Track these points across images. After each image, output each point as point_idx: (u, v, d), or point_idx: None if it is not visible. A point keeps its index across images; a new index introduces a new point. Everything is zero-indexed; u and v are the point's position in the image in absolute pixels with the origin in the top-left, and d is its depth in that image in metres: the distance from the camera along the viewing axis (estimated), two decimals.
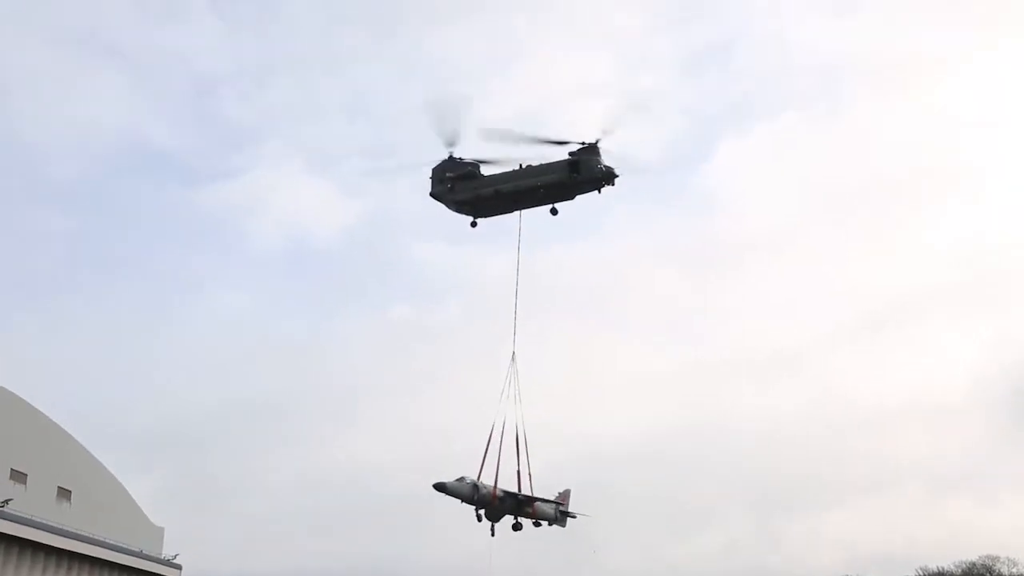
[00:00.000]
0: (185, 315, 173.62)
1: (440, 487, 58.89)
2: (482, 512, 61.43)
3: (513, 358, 62.13)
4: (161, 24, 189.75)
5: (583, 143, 61.96)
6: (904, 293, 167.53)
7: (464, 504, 60.37)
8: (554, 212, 63.82)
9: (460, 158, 63.73)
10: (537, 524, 64.62)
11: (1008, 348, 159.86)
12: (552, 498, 65.65)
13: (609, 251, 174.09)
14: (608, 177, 62.14)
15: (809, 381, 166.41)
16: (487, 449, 59.86)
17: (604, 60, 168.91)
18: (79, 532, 66.18)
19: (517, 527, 63.30)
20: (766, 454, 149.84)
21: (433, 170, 64.51)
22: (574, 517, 67.11)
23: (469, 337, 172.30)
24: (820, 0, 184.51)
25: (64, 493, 75.11)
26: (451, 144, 63.08)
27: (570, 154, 62.15)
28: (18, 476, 70.31)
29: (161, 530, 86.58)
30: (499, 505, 61.39)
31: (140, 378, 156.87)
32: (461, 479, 60.44)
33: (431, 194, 64.79)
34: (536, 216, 63.79)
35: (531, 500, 62.78)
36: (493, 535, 61.38)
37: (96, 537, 67.81)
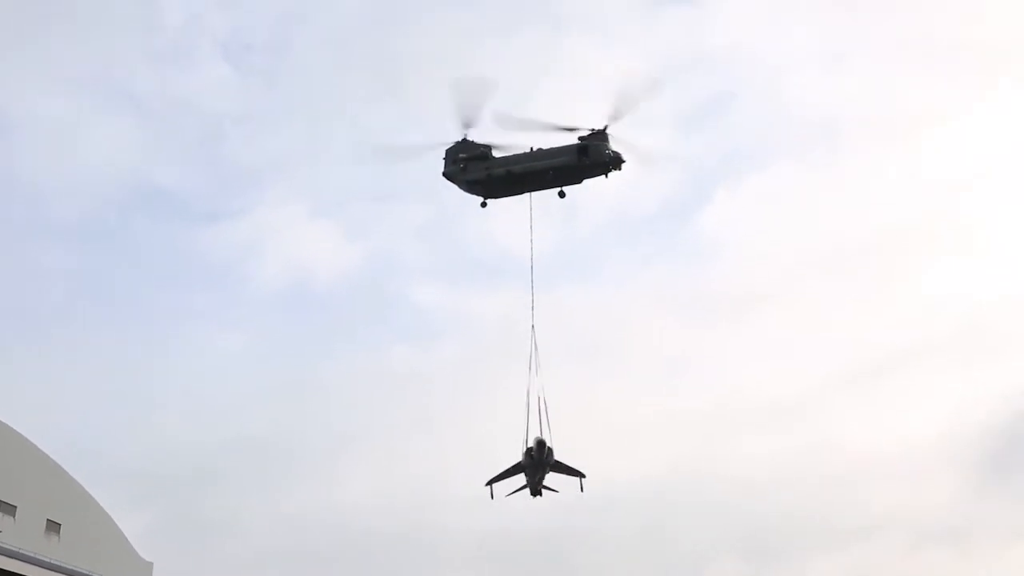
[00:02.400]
0: (184, 353, 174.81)
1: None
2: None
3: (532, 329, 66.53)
4: (170, 67, 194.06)
5: (592, 129, 64.41)
6: (899, 344, 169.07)
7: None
8: (562, 195, 66.13)
9: (473, 141, 66.15)
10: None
11: (999, 400, 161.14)
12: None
13: (606, 296, 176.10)
14: (615, 162, 64.55)
15: (804, 430, 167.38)
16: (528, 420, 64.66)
17: (602, 110, 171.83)
18: (66, 566, 65.89)
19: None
20: (759, 502, 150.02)
21: (447, 151, 66.80)
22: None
23: (467, 378, 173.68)
24: (815, 55, 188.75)
25: (53, 526, 74.66)
26: (467, 126, 65.46)
27: (580, 139, 64.58)
28: (6, 508, 70.55)
29: (150, 565, 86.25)
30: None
31: (137, 414, 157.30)
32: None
33: (444, 174, 67.12)
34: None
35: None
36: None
37: (83, 571, 67.48)
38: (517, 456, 66.16)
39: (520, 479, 66.96)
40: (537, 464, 64.91)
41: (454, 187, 67.14)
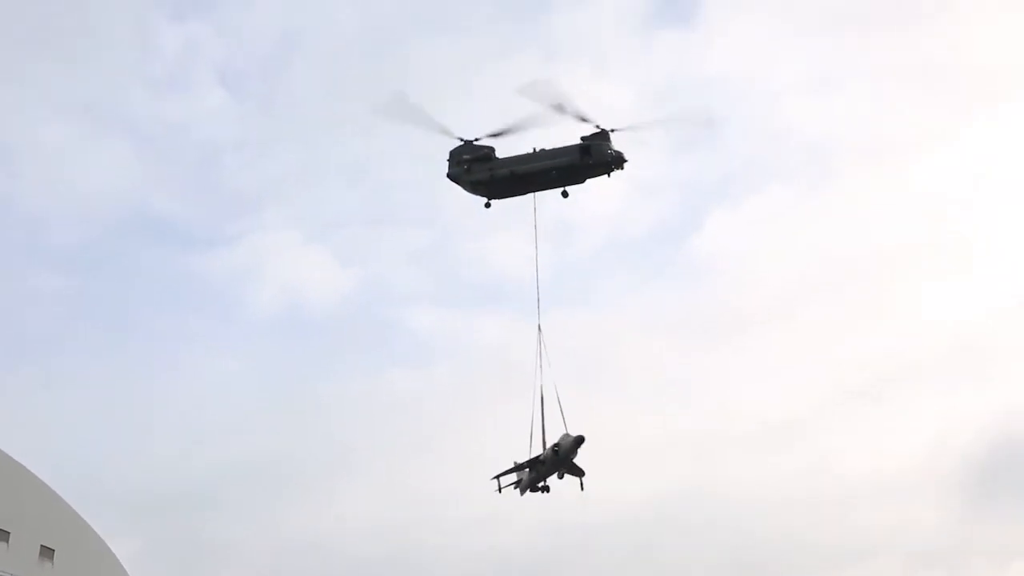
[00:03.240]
0: (179, 377, 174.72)
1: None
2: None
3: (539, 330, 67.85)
4: (167, 93, 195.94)
5: (596, 129, 65.25)
6: (893, 364, 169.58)
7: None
8: (565, 195, 66.92)
9: (477, 142, 67.00)
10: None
11: (995, 420, 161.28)
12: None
13: (602, 319, 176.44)
14: (618, 161, 65.37)
15: (800, 451, 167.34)
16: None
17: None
18: None
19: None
20: (754, 523, 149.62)
21: (451, 153, 67.65)
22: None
23: (463, 401, 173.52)
24: (807, 80, 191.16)
25: (47, 552, 73.78)
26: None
27: (582, 139, 65.45)
28: (0, 534, 70.26)
29: None
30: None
31: (133, 438, 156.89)
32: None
33: (448, 175, 67.95)
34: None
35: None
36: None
37: None
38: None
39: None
40: (561, 460, 65.62)
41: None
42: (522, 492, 67.72)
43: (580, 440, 65.03)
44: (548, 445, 66.29)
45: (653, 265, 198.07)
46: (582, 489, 66.93)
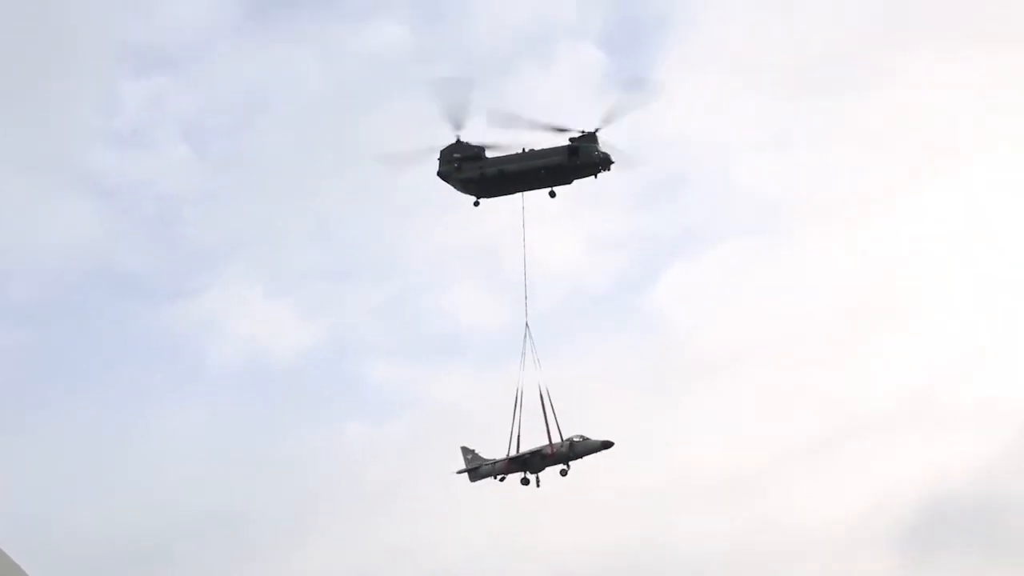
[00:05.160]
0: (138, 432, 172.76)
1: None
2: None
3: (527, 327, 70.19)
4: (129, 148, 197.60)
5: (583, 131, 67.23)
6: (844, 420, 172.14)
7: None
8: (552, 195, 68.62)
9: (467, 142, 68.72)
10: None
11: (945, 477, 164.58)
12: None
13: (560, 372, 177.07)
14: (604, 162, 67.22)
15: (756, 505, 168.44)
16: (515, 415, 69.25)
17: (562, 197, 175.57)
18: None
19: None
20: None
21: (441, 152, 69.22)
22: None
23: (423, 455, 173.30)
24: (761, 140, 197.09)
25: None
26: (458, 128, 68.12)
27: (571, 140, 67.35)
28: None
29: None
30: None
31: (90, 494, 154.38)
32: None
33: (438, 173, 69.41)
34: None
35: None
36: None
37: None
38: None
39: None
40: (572, 456, 69.72)
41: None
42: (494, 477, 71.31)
43: (609, 445, 70.02)
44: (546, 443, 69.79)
45: (612, 319, 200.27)
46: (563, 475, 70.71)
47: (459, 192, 69.33)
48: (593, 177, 67.75)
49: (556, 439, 69.37)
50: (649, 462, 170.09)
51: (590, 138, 67.09)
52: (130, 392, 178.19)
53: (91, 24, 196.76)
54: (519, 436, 69.37)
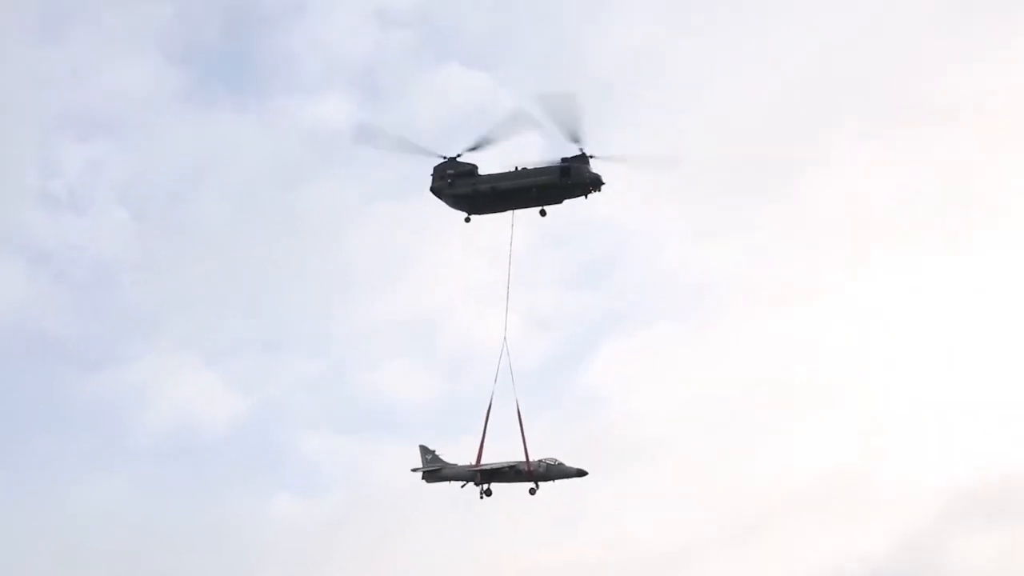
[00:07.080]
0: (61, 502, 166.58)
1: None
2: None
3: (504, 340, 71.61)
4: (65, 213, 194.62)
5: (578, 152, 68.60)
6: (770, 501, 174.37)
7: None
8: (543, 214, 69.79)
9: (460, 160, 69.84)
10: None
11: (873, 557, 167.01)
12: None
13: (489, 449, 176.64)
14: (595, 183, 68.40)
15: None
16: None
17: (497, 275, 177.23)
18: None
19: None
20: None
21: (435, 168, 70.33)
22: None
23: (355, 530, 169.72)
24: (688, 230, 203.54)
25: None
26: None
27: (563, 160, 68.74)
28: None
29: None
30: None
31: (10, 566, 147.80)
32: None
33: (431, 189, 70.43)
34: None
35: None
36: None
37: None
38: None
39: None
40: (544, 477, 71.06)
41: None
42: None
43: (583, 473, 71.44)
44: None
45: (544, 396, 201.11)
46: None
47: (451, 208, 70.27)
48: (584, 197, 69.00)
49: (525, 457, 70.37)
50: (574, 540, 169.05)
51: (582, 159, 68.57)
52: (52, 461, 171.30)
53: (32, 87, 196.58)
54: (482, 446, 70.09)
